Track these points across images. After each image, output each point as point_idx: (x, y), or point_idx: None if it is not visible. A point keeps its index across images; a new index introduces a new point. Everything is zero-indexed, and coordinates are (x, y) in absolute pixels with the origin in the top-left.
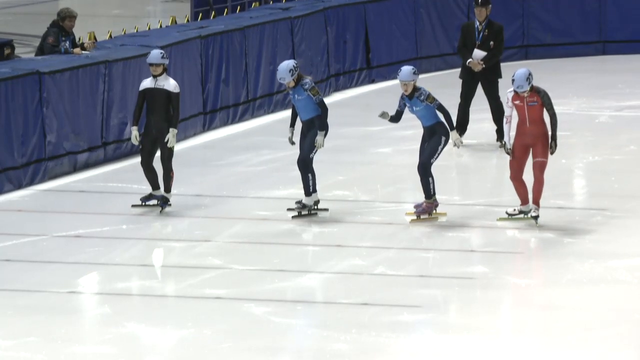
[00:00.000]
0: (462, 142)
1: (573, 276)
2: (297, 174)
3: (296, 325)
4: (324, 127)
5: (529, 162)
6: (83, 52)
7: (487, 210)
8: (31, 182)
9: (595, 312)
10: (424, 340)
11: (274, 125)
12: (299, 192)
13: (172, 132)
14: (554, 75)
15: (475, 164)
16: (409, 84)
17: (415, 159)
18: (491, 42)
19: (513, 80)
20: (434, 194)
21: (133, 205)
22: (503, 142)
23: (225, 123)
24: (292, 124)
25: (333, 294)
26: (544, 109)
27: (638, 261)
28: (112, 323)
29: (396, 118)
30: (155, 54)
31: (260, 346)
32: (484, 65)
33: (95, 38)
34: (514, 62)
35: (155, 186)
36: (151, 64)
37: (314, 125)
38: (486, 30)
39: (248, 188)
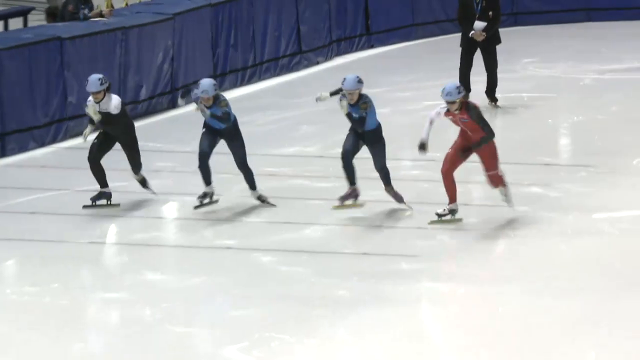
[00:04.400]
0: None
1: (559, 228)
2: (302, 132)
3: (301, 273)
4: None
5: (474, 169)
6: (101, 19)
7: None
8: (53, 140)
9: (579, 262)
10: (421, 288)
11: (280, 88)
12: (304, 149)
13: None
14: (542, 41)
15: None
16: (355, 92)
17: (412, 119)
18: (490, 12)
19: (443, 90)
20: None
21: (84, 207)
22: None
23: (234, 85)
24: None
25: (335, 244)
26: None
27: (620, 214)
28: (130, 271)
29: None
30: (94, 82)
31: (268, 293)
32: (485, 35)
33: (112, 6)
34: (505, 29)
35: (103, 184)
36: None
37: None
38: (484, 2)
39: (256, 146)
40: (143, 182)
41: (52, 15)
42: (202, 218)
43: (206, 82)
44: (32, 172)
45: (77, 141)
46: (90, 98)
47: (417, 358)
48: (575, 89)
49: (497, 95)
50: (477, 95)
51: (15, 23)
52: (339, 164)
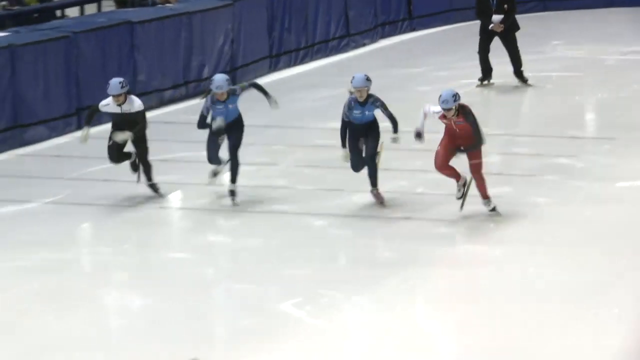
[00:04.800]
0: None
1: (585, 196)
2: None
3: (349, 236)
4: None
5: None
6: (168, 4)
7: (508, 140)
8: None
9: (604, 226)
10: (459, 250)
11: (330, 68)
12: None
13: (129, 135)
14: (569, 25)
15: (498, 99)
16: (363, 90)
17: None
18: (505, 5)
19: (440, 97)
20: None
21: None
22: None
23: (288, 65)
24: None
25: (380, 210)
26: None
27: None
28: (194, 234)
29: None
30: (115, 86)
31: (318, 254)
32: (503, 27)
33: None
34: (534, 14)
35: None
36: (113, 95)
37: (239, 123)
38: None
39: (307, 120)
40: (135, 166)
41: (122, 3)
42: (259, 185)
43: (219, 78)
44: (105, 142)
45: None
46: (108, 100)
47: (458, 314)
48: (599, 69)
49: (527, 74)
50: (500, 76)
51: (90, 9)
52: (383, 137)
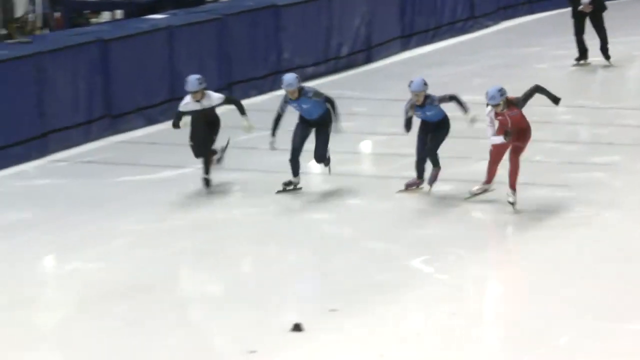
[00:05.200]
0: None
1: None
2: (475, 83)
3: (476, 199)
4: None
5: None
6: None
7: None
8: (270, 89)
9: None
10: (572, 215)
11: (456, 47)
12: (476, 97)
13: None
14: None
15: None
16: (420, 94)
17: (565, 73)
18: None
19: (487, 94)
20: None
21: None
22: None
23: (418, 45)
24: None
25: (501, 175)
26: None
27: None
28: (333, 197)
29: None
30: (193, 82)
31: (447, 216)
32: (593, 7)
33: None
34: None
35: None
36: (191, 92)
37: (325, 121)
38: None
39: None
40: (219, 160)
41: None
42: (392, 153)
43: (289, 77)
44: (255, 115)
45: None
46: (187, 99)
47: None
48: None
49: (610, 53)
50: (593, 55)
51: None
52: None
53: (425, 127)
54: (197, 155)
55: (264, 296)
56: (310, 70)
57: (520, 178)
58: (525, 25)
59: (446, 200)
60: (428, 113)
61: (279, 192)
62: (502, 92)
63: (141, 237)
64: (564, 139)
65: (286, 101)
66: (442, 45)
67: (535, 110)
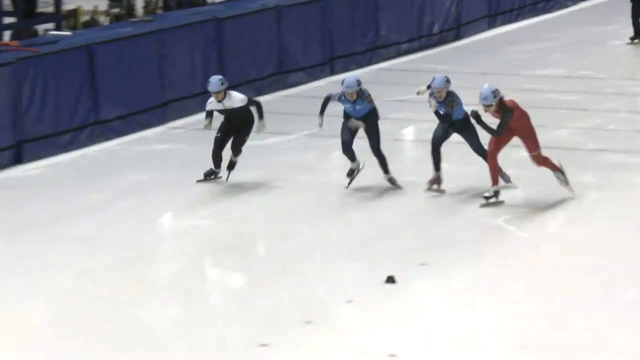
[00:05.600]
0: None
1: None
2: (554, 58)
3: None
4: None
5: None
6: None
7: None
8: (368, 64)
9: None
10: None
11: (538, 25)
12: (555, 71)
13: (261, 123)
14: None
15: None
16: (443, 91)
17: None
18: None
19: (480, 94)
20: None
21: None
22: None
23: (503, 23)
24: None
25: (579, 141)
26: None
27: None
28: (425, 163)
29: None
30: (215, 83)
31: (529, 178)
32: None
33: None
34: None
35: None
36: (213, 92)
37: (370, 116)
38: None
39: (518, 69)
40: (232, 166)
41: None
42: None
43: (351, 79)
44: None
45: (385, 64)
46: (212, 98)
47: None
48: None
49: None
50: None
51: None
52: (584, 82)
53: (442, 120)
54: (213, 152)
55: (366, 249)
56: (404, 46)
57: (593, 145)
58: (602, 5)
59: (526, 163)
60: (442, 110)
61: (347, 186)
62: (495, 93)
63: (249, 197)
64: (637, 109)
65: (341, 100)
66: (524, 23)
67: (610, 83)
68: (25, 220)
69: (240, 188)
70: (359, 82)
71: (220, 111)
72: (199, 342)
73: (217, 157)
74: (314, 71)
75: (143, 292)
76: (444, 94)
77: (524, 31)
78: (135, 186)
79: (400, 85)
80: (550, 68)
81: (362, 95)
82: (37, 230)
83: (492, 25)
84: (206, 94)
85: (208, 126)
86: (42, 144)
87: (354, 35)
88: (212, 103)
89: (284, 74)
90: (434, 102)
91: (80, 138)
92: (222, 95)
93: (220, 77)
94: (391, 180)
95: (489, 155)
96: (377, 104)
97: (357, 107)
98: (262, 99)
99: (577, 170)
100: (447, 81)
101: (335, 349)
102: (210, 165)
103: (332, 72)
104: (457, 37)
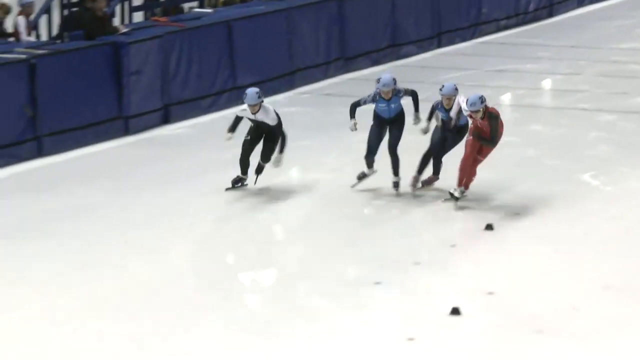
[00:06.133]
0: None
1: None
2: (637, 32)
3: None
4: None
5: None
6: None
7: None
8: (471, 37)
9: None
10: None
11: (624, 4)
12: (635, 45)
13: (279, 157)
14: None
15: None
16: (452, 98)
17: None
18: None
19: (466, 101)
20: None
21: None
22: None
23: (591, 3)
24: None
25: None
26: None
27: None
28: (519, 124)
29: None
30: (252, 96)
31: (610, 141)
32: None
33: None
34: None
35: (244, 172)
36: (249, 105)
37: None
38: None
39: (603, 43)
40: (260, 170)
41: None
42: (571, 89)
43: (387, 77)
44: (459, 58)
45: (487, 38)
46: (245, 106)
47: None
48: None
49: None
50: None
51: None
52: (622, 64)
53: (445, 127)
54: (241, 158)
55: (469, 202)
56: (503, 22)
57: None
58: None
59: (605, 125)
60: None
61: (353, 186)
62: (482, 99)
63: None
64: None
65: (375, 99)
66: (611, 2)
67: None
68: (172, 173)
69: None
70: (395, 81)
71: (251, 120)
72: (322, 279)
73: (244, 163)
74: (423, 44)
75: (274, 233)
76: (453, 101)
77: (610, 9)
78: None
79: (499, 57)
80: (632, 42)
81: (397, 93)
82: (182, 182)
83: (581, 4)
84: (329, 64)
85: (230, 138)
86: (186, 107)
87: (459, 12)
88: (245, 111)
89: (397, 47)
90: (440, 114)
91: (219, 102)
92: (257, 107)
93: (257, 89)
94: (396, 185)
95: (464, 158)
96: (478, 73)
97: (392, 105)
98: (377, 69)
99: None
100: (456, 89)
101: (440, 287)
102: (237, 171)
103: (439, 45)
104: (550, 15)
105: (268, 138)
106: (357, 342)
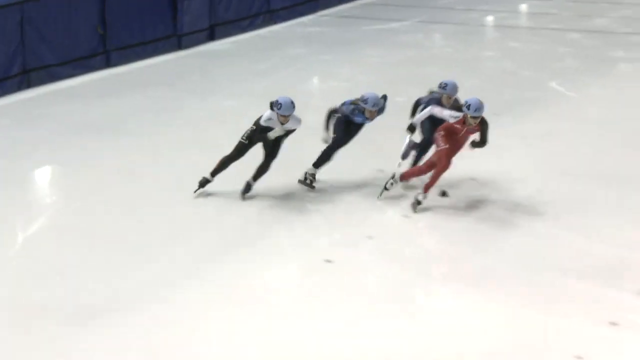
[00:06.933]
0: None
1: None
2: None
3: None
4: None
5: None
6: None
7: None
8: None
9: None
10: None
11: None
12: None
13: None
14: None
15: None
16: (453, 98)
17: None
18: None
19: (469, 106)
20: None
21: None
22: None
23: None
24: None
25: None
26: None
27: None
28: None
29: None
30: (289, 106)
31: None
32: None
33: None
34: None
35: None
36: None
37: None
38: None
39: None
40: (248, 189)
41: None
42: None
43: (375, 98)
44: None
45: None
46: (272, 115)
47: None
48: None
49: None
50: None
51: None
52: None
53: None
54: (226, 159)
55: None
56: None
57: None
58: None
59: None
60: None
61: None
62: (483, 107)
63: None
64: None
65: (353, 113)
66: None
67: None
68: (216, 80)
69: (372, 58)
70: (384, 101)
71: (267, 129)
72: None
73: (224, 166)
74: None
75: (306, 132)
76: (452, 100)
77: None
78: (295, 57)
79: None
80: None
81: (380, 111)
82: (222, 90)
83: None
84: None
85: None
86: (229, 26)
87: None
88: (272, 121)
89: None
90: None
91: (256, 22)
92: (289, 117)
93: (292, 99)
94: (305, 178)
95: (439, 170)
96: None
97: (369, 122)
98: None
99: None
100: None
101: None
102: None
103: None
104: None
105: (269, 153)
106: None
